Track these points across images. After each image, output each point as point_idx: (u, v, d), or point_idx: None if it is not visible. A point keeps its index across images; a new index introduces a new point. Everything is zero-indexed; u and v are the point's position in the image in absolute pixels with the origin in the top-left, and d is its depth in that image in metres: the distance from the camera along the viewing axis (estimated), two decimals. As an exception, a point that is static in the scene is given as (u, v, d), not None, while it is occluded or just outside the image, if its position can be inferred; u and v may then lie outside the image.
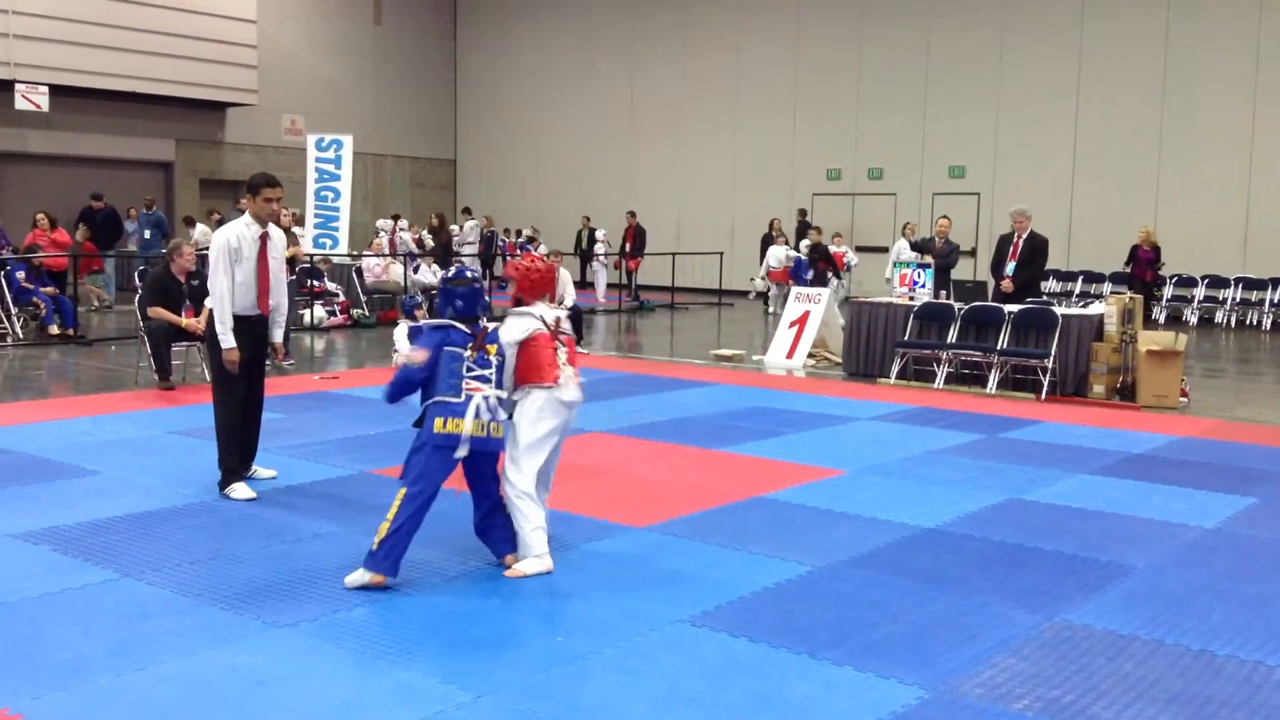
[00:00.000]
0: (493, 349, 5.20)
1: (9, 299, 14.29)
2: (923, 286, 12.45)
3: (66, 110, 21.85)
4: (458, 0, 30.26)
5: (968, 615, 4.72)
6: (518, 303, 5.38)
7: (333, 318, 16.63)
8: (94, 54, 22.02)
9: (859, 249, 21.74)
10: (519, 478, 5.18)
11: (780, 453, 8.03)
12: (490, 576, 5.14)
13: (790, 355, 13.29)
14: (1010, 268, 11.92)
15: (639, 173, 26.74)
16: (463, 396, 5.06)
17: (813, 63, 23.82)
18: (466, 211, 26.59)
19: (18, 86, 20.62)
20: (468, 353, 5.14)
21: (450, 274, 5.39)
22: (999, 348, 11.20)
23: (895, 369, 11.80)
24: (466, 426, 5.00)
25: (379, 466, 7.31)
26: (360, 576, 4.93)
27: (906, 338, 11.87)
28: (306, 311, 16.28)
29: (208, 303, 6.69)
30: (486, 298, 5.46)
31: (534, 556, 5.17)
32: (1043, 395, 10.83)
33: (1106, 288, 19.59)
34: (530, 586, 5.01)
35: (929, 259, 14.20)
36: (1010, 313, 11.34)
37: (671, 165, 26.21)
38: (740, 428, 9.00)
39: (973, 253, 20.55)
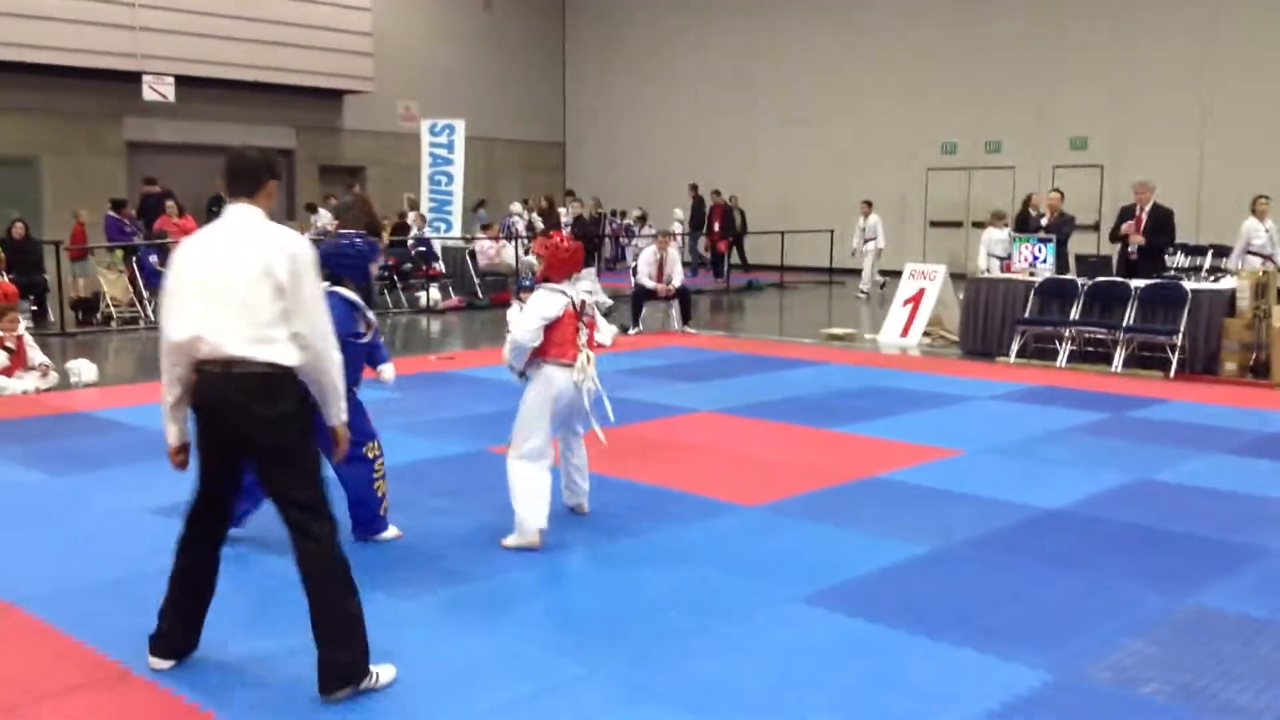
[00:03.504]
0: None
1: (141, 283, 14.84)
2: (1043, 262, 12.09)
3: (191, 100, 22.53)
4: (566, -17, 30.40)
5: (1093, 597, 4.59)
6: (545, 280, 5.43)
7: (447, 299, 16.91)
8: (216, 45, 22.67)
9: (975, 224, 21.21)
10: (521, 447, 5.24)
11: (895, 432, 7.89)
12: (602, 551, 5.17)
13: (905, 334, 13.06)
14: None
15: (747, 149, 26.50)
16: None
17: (929, 34, 23.27)
18: (570, 194, 26.74)
19: (145, 78, 21.35)
20: (365, 337, 5.29)
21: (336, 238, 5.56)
22: (1125, 324, 10.84)
23: (1015, 347, 11.49)
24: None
25: (496, 443, 7.40)
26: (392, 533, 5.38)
27: (1027, 314, 11.56)
28: (423, 294, 16.62)
29: None
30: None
31: (516, 534, 5.20)
32: (1171, 373, 10.44)
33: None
34: (640, 563, 5.02)
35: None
36: (1137, 288, 10.97)
37: (782, 141, 25.91)
38: (853, 407, 8.88)
39: (1095, 226, 19.85)
